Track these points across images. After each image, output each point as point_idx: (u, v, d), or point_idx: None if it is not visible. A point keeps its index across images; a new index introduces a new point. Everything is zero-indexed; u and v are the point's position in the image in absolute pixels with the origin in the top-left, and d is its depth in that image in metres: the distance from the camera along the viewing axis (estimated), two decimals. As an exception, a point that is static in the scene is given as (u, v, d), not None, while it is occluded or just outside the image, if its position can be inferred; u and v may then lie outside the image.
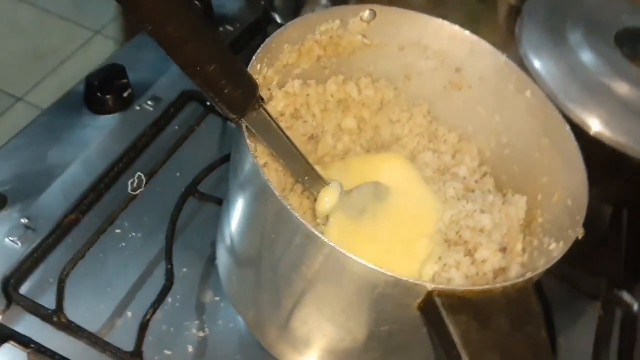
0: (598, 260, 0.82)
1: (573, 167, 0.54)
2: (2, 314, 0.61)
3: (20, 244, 0.65)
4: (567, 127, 0.56)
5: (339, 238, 0.55)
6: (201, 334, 0.65)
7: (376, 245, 0.57)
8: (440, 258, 0.55)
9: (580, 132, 0.68)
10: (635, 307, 0.80)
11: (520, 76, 0.59)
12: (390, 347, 0.51)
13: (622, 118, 0.71)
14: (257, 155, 0.54)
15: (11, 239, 0.65)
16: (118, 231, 0.70)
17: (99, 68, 0.81)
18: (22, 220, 0.67)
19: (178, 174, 0.77)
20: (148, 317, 0.61)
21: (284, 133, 0.51)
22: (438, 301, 0.42)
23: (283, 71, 0.59)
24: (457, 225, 0.58)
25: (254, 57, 0.51)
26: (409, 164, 0.64)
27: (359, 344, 0.52)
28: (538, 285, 0.57)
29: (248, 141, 0.47)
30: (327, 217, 0.56)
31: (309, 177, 0.55)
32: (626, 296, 0.81)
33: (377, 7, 0.59)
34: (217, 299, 0.68)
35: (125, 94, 0.80)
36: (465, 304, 0.42)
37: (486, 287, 0.43)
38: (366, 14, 0.59)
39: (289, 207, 0.44)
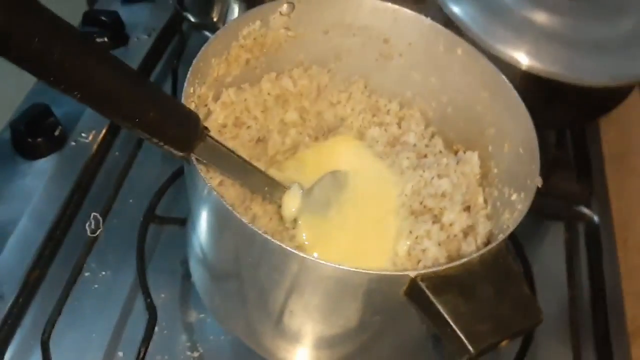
0: (553, 182, 0.85)
1: (517, 115, 0.56)
2: (-9, 389, 0.60)
3: (-10, 315, 0.63)
4: (503, 77, 0.57)
5: (311, 238, 0.55)
6: (195, 354, 0.65)
7: (348, 234, 0.57)
8: (410, 232, 0.57)
9: (513, 69, 0.70)
10: (595, 218, 0.84)
11: (448, 36, 0.60)
12: (384, 331, 0.52)
13: (548, 47, 0.72)
14: (211, 175, 0.53)
15: (-21, 311, 0.63)
16: (87, 274, 0.69)
17: (20, 111, 0.78)
18: (-14, 290, 0.65)
19: (131, 201, 0.75)
20: (141, 355, 0.61)
21: (234, 153, 0.51)
22: (422, 285, 0.43)
23: (215, 84, 0.58)
24: (418, 195, 0.59)
25: (185, 83, 0.50)
26: (358, 143, 0.65)
27: (352, 333, 0.53)
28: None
29: (200, 173, 0.46)
30: (294, 220, 0.57)
31: (268, 187, 0.55)
32: (585, 210, 0.85)
33: (293, -2, 0.58)
34: (202, 315, 0.68)
35: (56, 132, 0.77)
36: (448, 282, 0.44)
37: (464, 260, 0.44)
38: (284, 7, 0.59)
39: (255, 228, 0.43)
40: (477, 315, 0.43)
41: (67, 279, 0.65)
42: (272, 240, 0.43)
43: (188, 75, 0.50)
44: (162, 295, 0.68)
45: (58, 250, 0.69)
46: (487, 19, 0.74)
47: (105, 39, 0.89)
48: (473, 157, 0.60)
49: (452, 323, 0.42)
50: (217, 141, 0.48)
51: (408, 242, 0.56)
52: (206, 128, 0.46)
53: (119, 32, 0.91)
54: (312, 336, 0.54)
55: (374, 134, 0.65)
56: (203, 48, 0.52)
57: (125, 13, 0.94)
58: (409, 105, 0.67)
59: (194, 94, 0.53)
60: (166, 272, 0.70)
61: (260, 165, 0.60)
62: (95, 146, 0.77)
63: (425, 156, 0.64)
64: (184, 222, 0.69)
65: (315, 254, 0.55)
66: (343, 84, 0.67)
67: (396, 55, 0.64)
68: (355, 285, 0.45)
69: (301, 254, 0.43)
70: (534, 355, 0.69)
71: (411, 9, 0.60)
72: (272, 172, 0.60)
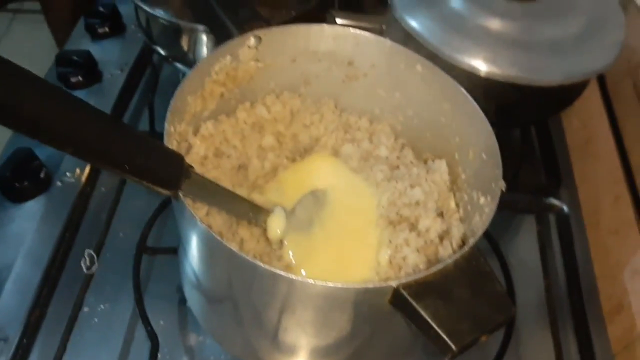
0: (521, 178, 0.89)
1: (477, 124, 0.59)
2: None
3: (-3, 359, 0.65)
4: (462, 89, 0.61)
5: (298, 256, 0.59)
6: (199, 376, 0.68)
7: (332, 248, 0.61)
8: (390, 241, 0.60)
9: (472, 76, 0.74)
10: (565, 208, 0.89)
11: (407, 54, 0.64)
12: (374, 337, 0.56)
13: (504, 52, 0.75)
14: (198, 207, 0.56)
15: (-14, 357, 0.66)
16: (86, 309, 0.71)
17: (5, 156, 0.80)
18: (-10, 334, 0.67)
19: (121, 234, 0.78)
20: (147, 383, 0.64)
21: (218, 185, 0.54)
22: (405, 293, 0.47)
23: (194, 119, 0.61)
24: (394, 205, 0.63)
25: (165, 123, 0.53)
26: (334, 160, 0.68)
27: (344, 342, 0.56)
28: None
29: (188, 207, 0.49)
30: (280, 241, 0.60)
31: (252, 213, 0.58)
32: (554, 201, 0.89)
33: (259, 32, 0.62)
34: (201, 338, 0.71)
35: (42, 174, 0.79)
36: (427, 287, 0.47)
37: (440, 266, 0.48)
38: (251, 41, 0.62)
39: (244, 255, 0.46)
40: (456, 316, 0.47)
41: (69, 315, 0.67)
42: (262, 265, 0.46)
43: (167, 115, 0.53)
44: (161, 322, 0.71)
45: (55, 289, 0.72)
46: (444, 31, 0.77)
47: (80, 78, 0.92)
48: (442, 165, 0.64)
49: (434, 325, 0.46)
50: (201, 176, 0.51)
51: (389, 252, 0.60)
52: (191, 166, 0.50)
53: (92, 70, 0.93)
54: (307, 348, 0.57)
55: (348, 150, 0.69)
56: (178, 88, 0.55)
57: (97, 50, 0.96)
58: (378, 121, 0.71)
59: (175, 132, 0.56)
60: (163, 299, 0.73)
61: (243, 190, 0.63)
62: (80, 184, 0.80)
63: (398, 167, 0.68)
64: (175, 250, 0.72)
65: (303, 272, 0.58)
66: (314, 106, 0.71)
67: (361, 76, 0.68)
68: (343, 300, 0.48)
69: (290, 276, 0.46)
70: (517, 342, 0.73)
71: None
72: (255, 196, 0.63)
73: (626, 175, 0.83)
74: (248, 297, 0.54)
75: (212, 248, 0.52)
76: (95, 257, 0.72)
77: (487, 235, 0.78)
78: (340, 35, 0.65)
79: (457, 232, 0.61)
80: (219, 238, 0.47)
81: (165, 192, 0.48)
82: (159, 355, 0.68)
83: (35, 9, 1.34)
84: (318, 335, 0.55)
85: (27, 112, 0.36)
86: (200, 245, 0.54)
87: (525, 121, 0.91)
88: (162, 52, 0.88)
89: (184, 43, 0.83)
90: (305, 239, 0.60)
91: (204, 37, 0.81)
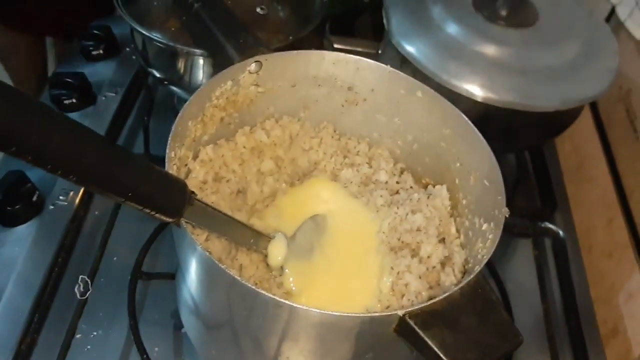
0: (517, 203, 0.89)
1: (479, 150, 0.59)
2: None
3: (-14, 388, 0.64)
4: (463, 116, 0.61)
5: (298, 283, 0.58)
6: (194, 403, 0.67)
7: (333, 275, 0.60)
8: (392, 268, 0.60)
9: (470, 102, 0.74)
10: (561, 233, 0.89)
11: (408, 80, 0.64)
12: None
13: (500, 78, 0.76)
14: (198, 232, 0.56)
15: (-25, 386, 0.64)
16: (79, 336, 0.70)
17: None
18: (-21, 363, 0.65)
19: (115, 258, 0.77)
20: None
21: (220, 211, 0.53)
22: (411, 322, 0.46)
23: (194, 144, 0.60)
24: (395, 231, 0.62)
25: (167, 149, 0.52)
26: (333, 185, 0.68)
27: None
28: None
29: (188, 233, 0.48)
30: (281, 267, 0.59)
31: (254, 239, 0.58)
32: (550, 226, 0.90)
33: (260, 57, 0.61)
34: (197, 364, 0.70)
35: (34, 198, 0.78)
36: (433, 317, 0.47)
37: (446, 294, 0.48)
38: (252, 66, 0.61)
39: (245, 282, 0.46)
40: (463, 345, 0.46)
41: (61, 343, 0.66)
42: (264, 293, 0.45)
43: (169, 141, 0.53)
44: (157, 349, 0.70)
45: (47, 315, 0.70)
46: (441, 56, 0.77)
47: (74, 100, 0.91)
48: (442, 191, 0.64)
49: (441, 354, 0.46)
50: (203, 203, 0.51)
51: (391, 279, 0.59)
52: (193, 192, 0.49)
53: (86, 92, 0.93)
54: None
55: (347, 174, 0.69)
56: (180, 113, 0.55)
57: (91, 72, 0.96)
58: (377, 145, 0.71)
59: (175, 157, 0.56)
60: (157, 325, 0.72)
61: (242, 215, 0.63)
62: (74, 208, 0.79)
63: (398, 192, 0.67)
64: (171, 276, 0.71)
65: (304, 299, 0.57)
66: (313, 130, 0.70)
67: (361, 101, 0.68)
68: (348, 328, 0.48)
69: (294, 304, 0.46)
70: (516, 368, 0.73)
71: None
72: (254, 221, 0.63)
73: (619, 198, 0.84)
74: (248, 324, 0.53)
75: (213, 274, 0.51)
76: (89, 283, 0.71)
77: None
78: (340, 61, 0.65)
79: (458, 258, 0.60)
80: (220, 265, 0.47)
81: (168, 219, 0.47)
82: (155, 384, 0.67)
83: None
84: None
85: (33, 141, 0.35)
86: (200, 271, 0.53)
87: (522, 146, 0.92)
88: (157, 74, 0.87)
89: (181, 66, 0.83)
90: (306, 266, 0.60)
91: (201, 61, 0.81)
